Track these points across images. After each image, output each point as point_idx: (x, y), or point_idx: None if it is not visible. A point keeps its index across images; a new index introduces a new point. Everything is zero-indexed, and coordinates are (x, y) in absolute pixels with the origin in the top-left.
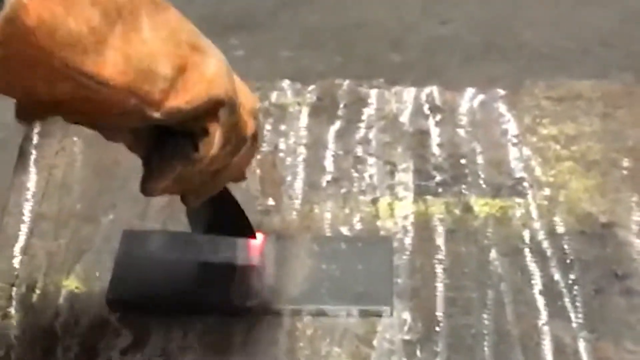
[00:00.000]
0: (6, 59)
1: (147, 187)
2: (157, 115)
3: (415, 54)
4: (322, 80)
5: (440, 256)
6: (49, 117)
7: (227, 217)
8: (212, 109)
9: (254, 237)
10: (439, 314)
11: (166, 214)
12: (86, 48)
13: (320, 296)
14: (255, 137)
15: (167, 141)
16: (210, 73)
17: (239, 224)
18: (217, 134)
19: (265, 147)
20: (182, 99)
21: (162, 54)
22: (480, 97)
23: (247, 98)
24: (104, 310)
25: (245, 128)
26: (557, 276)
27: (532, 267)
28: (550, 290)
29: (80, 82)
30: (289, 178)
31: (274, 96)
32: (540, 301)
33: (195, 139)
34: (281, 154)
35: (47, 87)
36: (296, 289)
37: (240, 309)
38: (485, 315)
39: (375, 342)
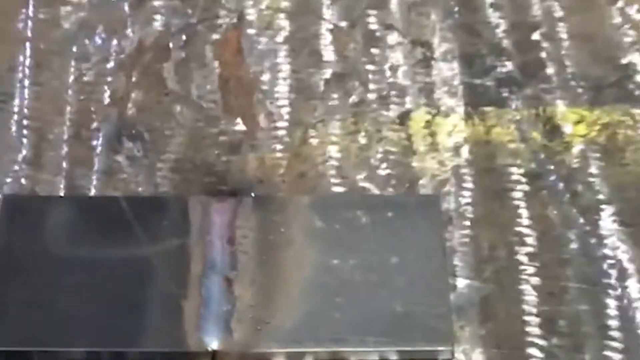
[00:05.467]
0: None
1: None
2: None
3: None
4: None
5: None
6: None
7: None
8: None
9: None
10: None
11: None
12: None
13: (334, 329)
14: None
15: None
16: None
17: None
18: None
19: (224, 18)
20: None
21: None
22: None
23: None
24: None
25: None
26: None
27: None
28: None
29: None
30: (265, 76)
31: None
32: None
33: None
34: (250, 30)
35: None
36: (290, 318)
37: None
38: None
39: None
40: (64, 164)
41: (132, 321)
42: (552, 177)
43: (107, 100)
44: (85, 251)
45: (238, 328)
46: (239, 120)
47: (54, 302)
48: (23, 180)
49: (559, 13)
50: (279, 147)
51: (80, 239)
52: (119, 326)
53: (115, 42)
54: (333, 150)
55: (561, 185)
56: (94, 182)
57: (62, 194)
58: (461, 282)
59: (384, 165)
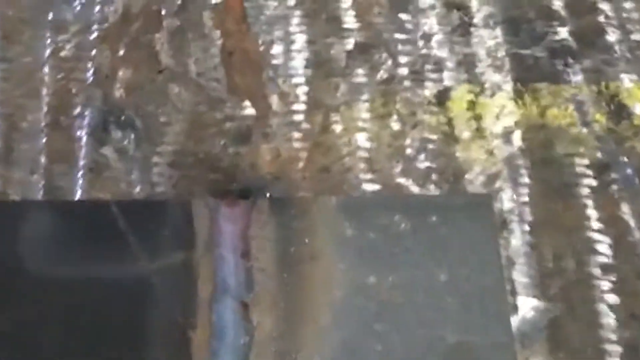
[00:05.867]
0: None
1: None
2: None
3: None
4: None
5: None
6: None
7: None
8: None
9: None
10: None
11: None
12: None
13: None
14: None
15: None
16: None
17: None
18: None
19: None
20: None
21: None
22: None
23: None
24: None
25: None
26: None
27: None
28: None
29: None
30: (276, 48)
31: None
32: None
33: None
34: None
35: None
36: (320, 351)
37: None
38: None
39: None
40: (42, 160)
41: (129, 357)
42: (623, 169)
43: (90, 79)
44: (70, 269)
45: None
46: (247, 102)
47: (32, 334)
48: None
49: None
50: (296, 135)
51: (64, 255)
52: None
53: (97, 7)
54: (361, 139)
55: (635, 179)
56: (79, 182)
57: (40, 197)
58: (523, 302)
59: (422, 156)
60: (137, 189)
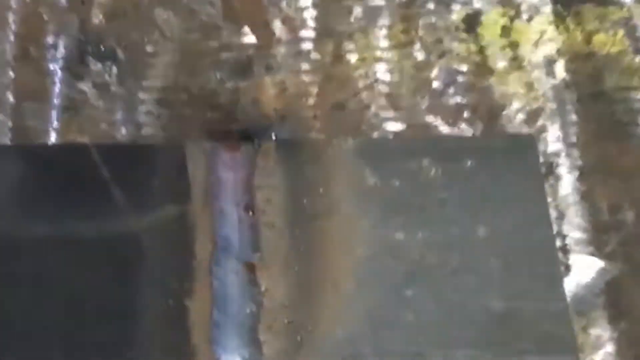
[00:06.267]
0: None
1: None
2: None
3: None
4: None
5: None
6: None
7: None
8: None
9: None
10: None
11: None
12: None
13: (404, 338)
14: None
15: None
16: None
17: None
18: None
19: None
20: None
21: None
22: None
23: None
24: None
25: None
26: None
27: None
28: None
29: None
30: None
31: None
32: None
33: None
34: None
35: None
36: (341, 323)
37: None
38: None
39: None
40: (9, 97)
41: (117, 332)
42: None
43: (63, 4)
44: (44, 226)
45: (269, 339)
46: (246, 29)
47: (5, 305)
48: None
49: None
50: (304, 66)
51: (36, 209)
52: (98, 338)
53: None
54: (380, 70)
55: None
56: (53, 123)
57: (7, 141)
58: (577, 261)
59: (451, 90)
60: (121, 131)
